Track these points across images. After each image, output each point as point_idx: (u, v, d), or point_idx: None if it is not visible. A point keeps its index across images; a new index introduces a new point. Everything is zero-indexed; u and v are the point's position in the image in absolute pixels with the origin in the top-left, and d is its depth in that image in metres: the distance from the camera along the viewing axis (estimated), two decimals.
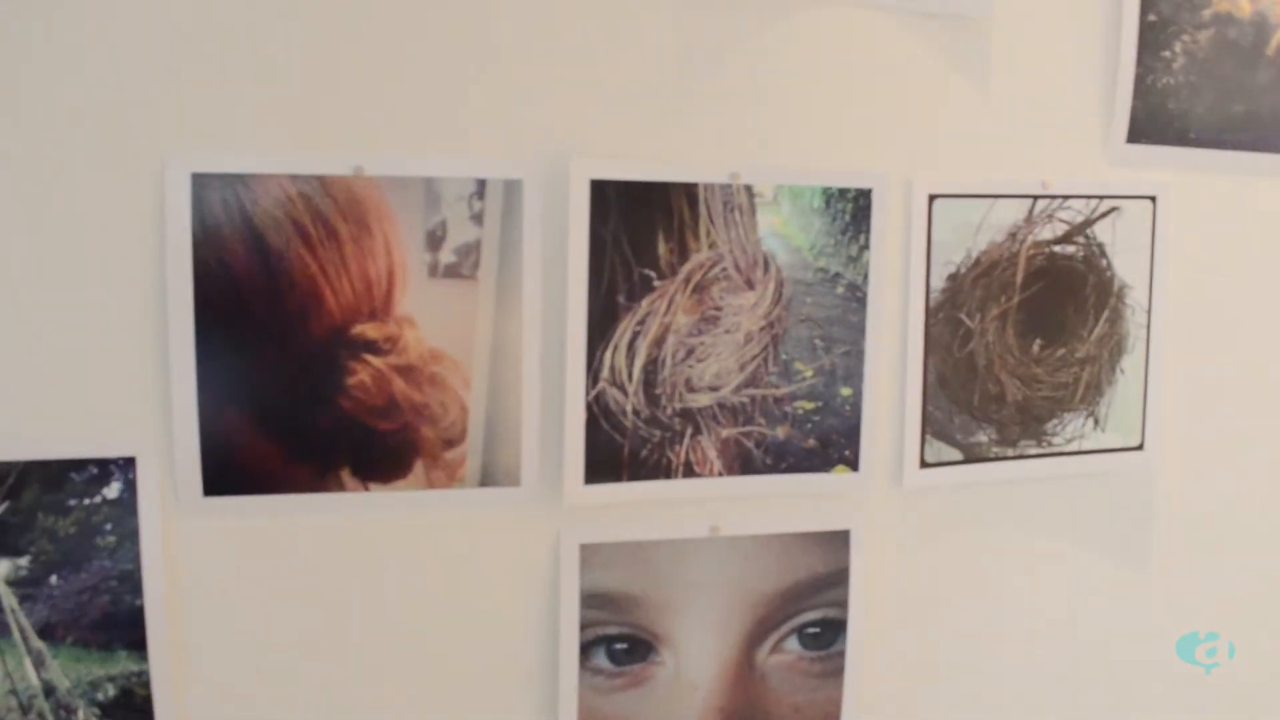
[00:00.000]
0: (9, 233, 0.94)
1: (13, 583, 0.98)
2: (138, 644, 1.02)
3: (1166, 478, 1.31)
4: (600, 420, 1.09)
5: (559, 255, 1.05)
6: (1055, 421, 1.25)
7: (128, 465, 1.00)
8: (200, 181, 0.98)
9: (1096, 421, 1.26)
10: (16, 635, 0.99)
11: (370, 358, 1.04)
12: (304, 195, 1.01)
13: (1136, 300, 1.26)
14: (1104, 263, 1.24)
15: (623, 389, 1.09)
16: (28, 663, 1.00)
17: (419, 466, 1.06)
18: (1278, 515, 1.37)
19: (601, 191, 1.05)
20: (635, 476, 1.11)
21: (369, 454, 1.05)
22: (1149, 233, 1.25)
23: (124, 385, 0.99)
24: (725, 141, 1.10)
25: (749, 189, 1.10)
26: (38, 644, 1.00)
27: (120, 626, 1.01)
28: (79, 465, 0.99)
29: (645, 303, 1.09)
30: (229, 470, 1.02)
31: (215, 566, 1.04)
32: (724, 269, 1.11)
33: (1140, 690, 1.35)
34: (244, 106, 0.98)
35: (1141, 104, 1.23)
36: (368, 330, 1.04)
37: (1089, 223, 1.23)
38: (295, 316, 1.02)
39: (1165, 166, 1.25)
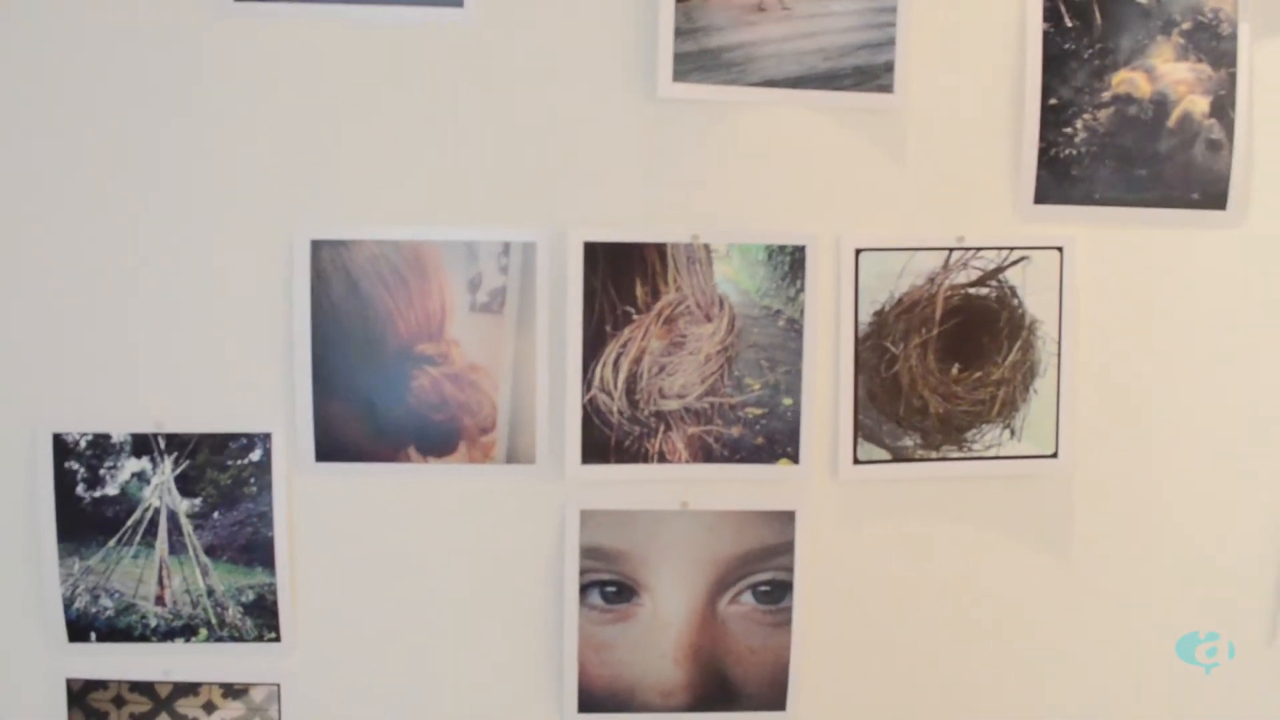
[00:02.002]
0: (200, 281, 1.43)
1: (190, 515, 1.47)
2: (269, 563, 1.48)
3: (1081, 481, 1.55)
4: (593, 417, 1.47)
5: (562, 296, 1.45)
6: (974, 431, 1.53)
7: (266, 438, 1.47)
8: (317, 245, 1.44)
9: (1013, 432, 1.53)
10: (191, 552, 1.47)
11: (428, 368, 1.47)
12: (384, 255, 1.45)
13: (1047, 333, 1.52)
14: (1015, 302, 1.51)
15: (610, 395, 1.47)
16: (198, 572, 1.48)
17: (463, 446, 1.48)
18: (1182, 513, 1.58)
19: (593, 250, 1.44)
20: (620, 460, 1.48)
21: (428, 437, 1.48)
22: (1057, 277, 1.52)
23: (265, 384, 1.46)
24: (688, 210, 1.46)
25: (707, 246, 1.46)
26: (204, 559, 1.48)
27: (259, 550, 1.48)
28: (234, 437, 1.46)
29: (626, 331, 1.46)
30: (333, 444, 1.47)
31: (323, 512, 1.48)
32: (687, 306, 1.47)
33: (1050, 665, 1.59)
34: (345, 192, 1.44)
35: (1047, 171, 1.51)
36: (427, 348, 1.46)
37: (1000, 269, 1.51)
38: (377, 338, 1.46)
39: (1072, 221, 1.52)
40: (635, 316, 1.47)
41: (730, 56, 1.45)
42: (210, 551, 1.48)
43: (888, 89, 1.47)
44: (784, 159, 1.48)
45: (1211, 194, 1.55)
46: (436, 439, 1.48)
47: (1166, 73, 1.52)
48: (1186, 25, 1.53)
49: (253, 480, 1.47)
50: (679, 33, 1.43)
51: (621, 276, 1.46)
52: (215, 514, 1.47)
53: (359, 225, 1.44)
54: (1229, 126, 1.54)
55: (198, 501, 1.47)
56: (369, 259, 1.45)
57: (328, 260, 1.44)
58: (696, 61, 1.44)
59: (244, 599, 1.49)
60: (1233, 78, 1.54)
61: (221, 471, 1.47)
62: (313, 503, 1.48)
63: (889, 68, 1.47)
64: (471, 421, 1.48)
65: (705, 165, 1.47)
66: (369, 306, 1.45)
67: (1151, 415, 1.57)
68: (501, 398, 1.47)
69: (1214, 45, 1.53)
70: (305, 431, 1.46)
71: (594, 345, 1.46)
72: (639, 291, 1.46)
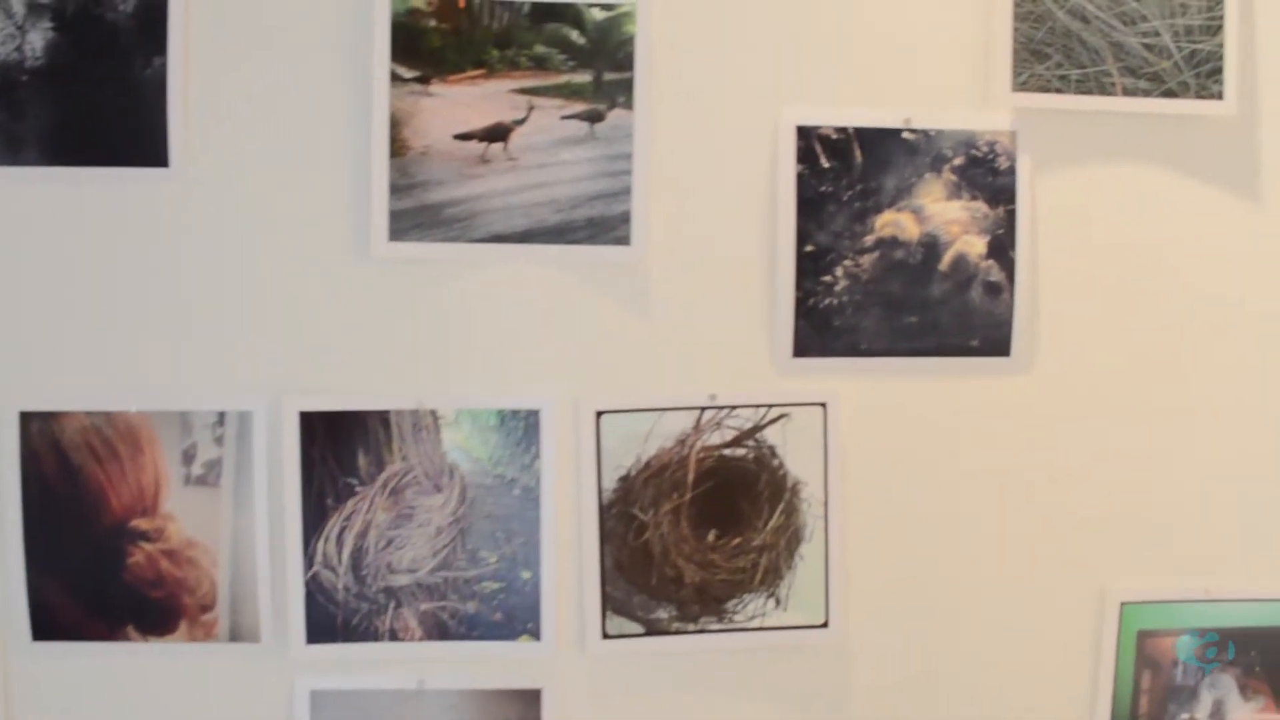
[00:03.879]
0: None
1: None
2: None
3: (855, 652, 1.44)
4: (316, 594, 1.38)
5: (280, 468, 1.36)
6: (736, 601, 1.42)
7: None
8: (25, 417, 1.37)
9: (778, 601, 1.42)
10: None
11: (144, 544, 1.39)
12: (95, 426, 1.37)
13: (812, 494, 1.41)
14: (775, 462, 1.40)
15: (334, 570, 1.38)
16: None
17: (183, 625, 1.39)
18: (967, 685, 1.46)
19: (310, 420, 1.36)
20: (349, 639, 1.39)
21: (146, 615, 1.39)
22: (821, 435, 1.41)
23: None
24: (413, 375, 1.37)
25: (434, 413, 1.37)
26: None
27: None
28: None
29: (350, 504, 1.38)
30: (51, 623, 1.39)
31: (43, 694, 1.40)
32: (415, 476, 1.38)
33: None
34: (52, 361, 1.36)
35: (806, 322, 1.40)
36: (141, 524, 1.38)
37: (758, 428, 1.40)
38: (90, 514, 1.38)
39: (836, 375, 1.40)
40: (358, 488, 1.37)
41: (453, 212, 1.36)
42: None
43: (624, 241, 1.37)
44: (515, 318, 1.38)
45: (993, 340, 1.43)
46: (155, 617, 1.39)
47: (937, 213, 1.41)
48: (958, 161, 1.41)
49: None
50: (395, 189, 1.34)
51: (342, 446, 1.37)
52: None
53: (68, 396, 1.36)
54: (1009, 267, 1.42)
55: None
56: (79, 430, 1.37)
57: (37, 433, 1.37)
58: (415, 219, 1.35)
59: None
60: (1012, 215, 1.42)
61: None
62: (31, 683, 1.40)
63: (625, 218, 1.37)
64: (191, 599, 1.39)
65: (429, 327, 1.37)
66: (81, 480, 1.37)
67: (930, 580, 1.45)
68: (221, 574, 1.39)
69: (990, 181, 1.42)
70: (20, 611, 1.38)
71: (315, 519, 1.37)
72: (362, 462, 1.37)
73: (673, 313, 1.39)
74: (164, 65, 1.34)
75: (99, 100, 1.35)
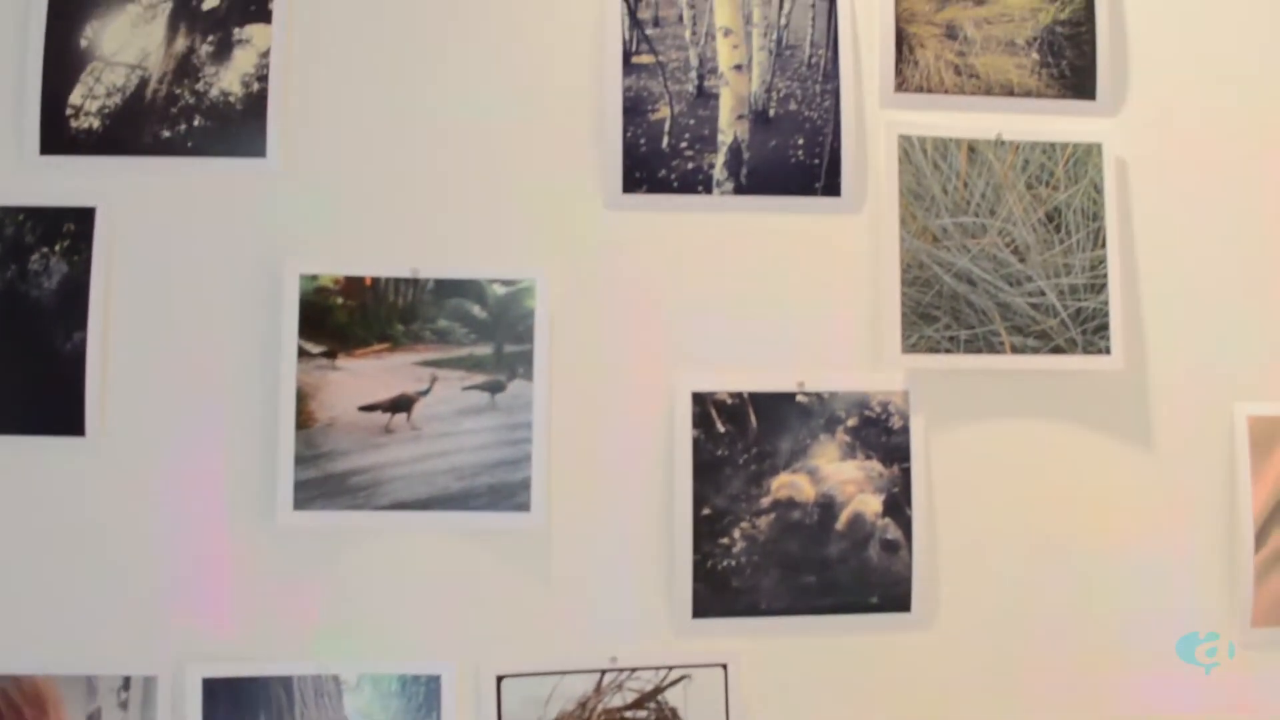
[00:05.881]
0: None
1: None
2: None
3: None
4: None
5: None
6: None
7: None
8: None
9: None
10: None
11: None
12: (2, 688, 1.39)
13: None
14: None
15: None
16: None
17: None
18: None
19: (212, 686, 1.37)
20: None
21: None
22: (722, 696, 1.41)
23: None
24: (316, 640, 1.39)
25: (336, 678, 1.39)
26: None
27: None
28: None
29: None
30: None
31: None
32: None
33: None
34: None
35: (704, 584, 1.42)
36: None
37: (659, 690, 1.41)
38: None
39: (736, 635, 1.42)
40: None
41: (357, 481, 1.40)
42: None
43: (525, 507, 1.40)
44: (418, 584, 1.41)
45: (892, 596, 1.45)
46: None
47: (832, 473, 1.45)
48: (852, 422, 1.45)
49: None
50: (301, 460, 1.39)
51: (245, 712, 1.38)
52: None
53: None
54: (906, 525, 1.45)
55: None
56: None
57: None
58: (320, 488, 1.39)
59: None
60: (907, 473, 1.45)
61: None
62: None
63: (526, 485, 1.40)
64: None
65: (333, 593, 1.40)
66: None
67: None
68: None
69: (884, 441, 1.46)
70: None
71: None
72: None
73: (573, 577, 1.41)
74: (83, 340, 1.41)
75: (21, 371, 1.41)
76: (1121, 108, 1.55)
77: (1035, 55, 1.53)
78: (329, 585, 1.40)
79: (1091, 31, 1.54)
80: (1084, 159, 1.52)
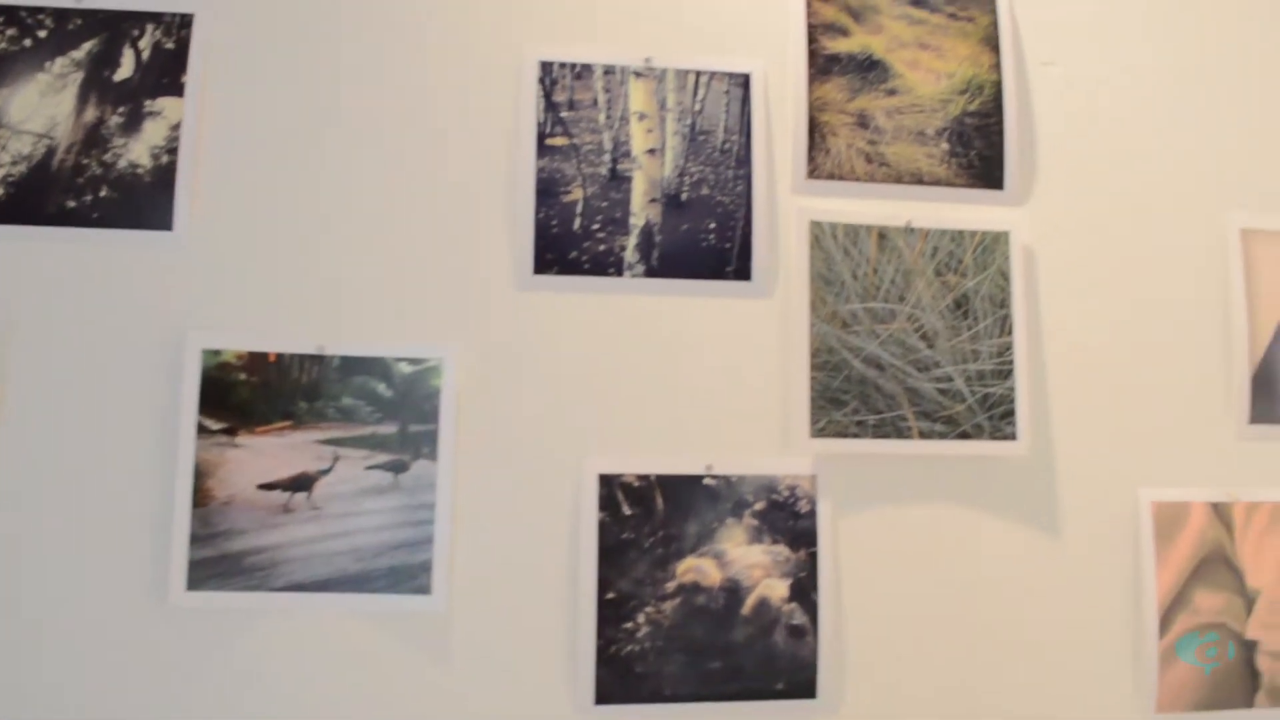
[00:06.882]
0: None
1: None
2: None
3: None
4: None
5: None
6: None
7: None
8: None
9: None
10: None
11: None
12: None
13: None
14: None
15: None
16: None
17: None
18: None
19: None
20: None
21: None
22: None
23: None
24: None
25: None
26: None
27: None
28: None
29: None
30: None
31: None
32: None
33: None
34: None
35: (607, 670, 1.40)
36: None
37: None
38: None
39: None
40: None
41: (254, 560, 1.37)
42: None
43: (425, 590, 1.38)
44: (314, 667, 1.37)
45: (798, 682, 1.43)
46: None
47: (739, 557, 1.44)
48: (760, 506, 1.45)
49: None
50: (196, 539, 1.36)
51: None
52: None
53: None
54: (812, 610, 1.44)
55: None
56: None
57: None
58: (215, 568, 1.36)
59: None
60: (814, 558, 1.45)
61: None
62: None
63: (427, 567, 1.38)
64: None
65: (226, 675, 1.36)
66: None
67: None
68: None
69: (791, 525, 1.45)
70: None
71: None
72: None
73: (473, 661, 1.39)
74: None
75: None
76: (1028, 197, 1.58)
77: (945, 145, 1.57)
78: (223, 667, 1.36)
79: (1000, 123, 1.58)
80: (992, 247, 1.54)
